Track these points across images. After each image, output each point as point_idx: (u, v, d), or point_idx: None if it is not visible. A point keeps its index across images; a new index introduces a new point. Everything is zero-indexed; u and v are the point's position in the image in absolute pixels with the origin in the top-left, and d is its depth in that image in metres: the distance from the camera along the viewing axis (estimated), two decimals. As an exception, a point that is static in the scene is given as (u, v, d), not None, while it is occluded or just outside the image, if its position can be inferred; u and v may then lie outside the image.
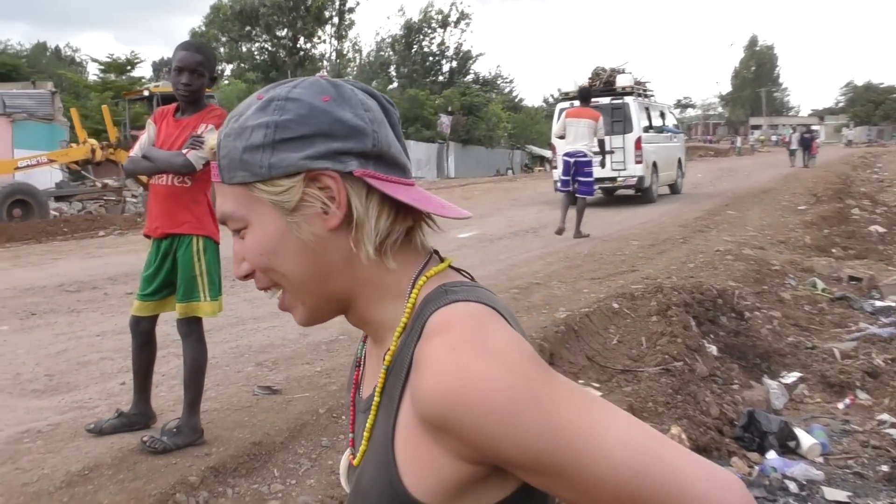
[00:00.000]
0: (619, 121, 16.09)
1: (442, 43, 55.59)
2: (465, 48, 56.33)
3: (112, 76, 36.16)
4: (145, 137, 4.01)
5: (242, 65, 39.25)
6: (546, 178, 33.26)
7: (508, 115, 53.81)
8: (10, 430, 4.26)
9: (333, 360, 5.52)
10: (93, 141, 17.40)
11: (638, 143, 16.08)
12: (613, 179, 16.35)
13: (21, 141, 22.51)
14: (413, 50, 55.22)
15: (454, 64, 56.20)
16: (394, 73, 57.16)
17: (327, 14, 37.21)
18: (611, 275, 8.38)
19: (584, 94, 12.35)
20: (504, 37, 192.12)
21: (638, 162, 16.15)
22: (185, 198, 3.90)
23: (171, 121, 3.98)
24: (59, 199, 18.92)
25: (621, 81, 17.33)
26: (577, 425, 0.82)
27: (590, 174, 11.39)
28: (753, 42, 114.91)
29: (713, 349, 6.09)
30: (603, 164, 11.77)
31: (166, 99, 20.45)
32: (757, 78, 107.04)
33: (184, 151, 3.79)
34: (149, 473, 3.61)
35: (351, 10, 38.26)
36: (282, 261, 0.93)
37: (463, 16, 54.92)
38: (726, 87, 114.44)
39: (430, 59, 55.80)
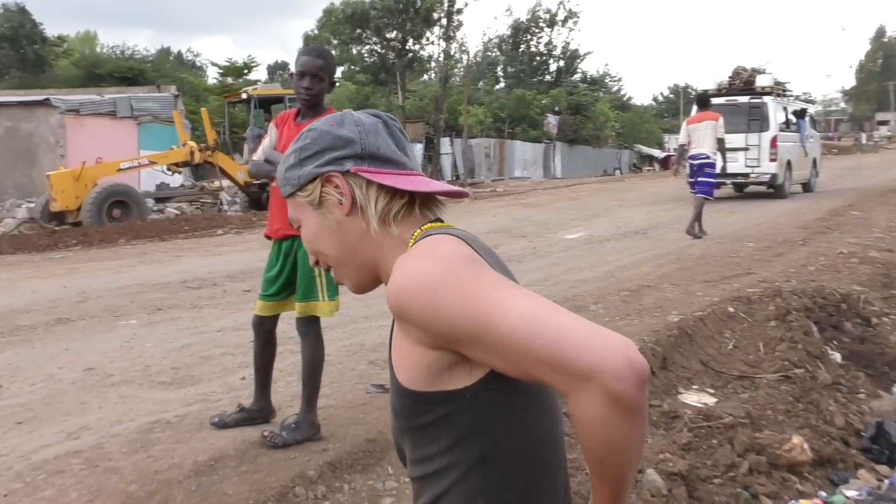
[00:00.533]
0: (756, 119, 16.44)
1: (549, 42, 55.23)
2: (572, 47, 55.80)
3: (230, 79, 37.50)
4: (267, 141, 4.14)
5: (353, 67, 39.98)
6: (654, 178, 32.59)
7: (616, 115, 53.01)
8: (142, 419, 4.48)
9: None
10: (192, 143, 17.91)
11: (773, 141, 16.39)
12: (746, 175, 16.75)
13: (146, 143, 23.65)
14: (520, 49, 55.06)
15: (561, 63, 55.71)
16: (500, 74, 57.18)
17: (436, 15, 37.42)
18: (725, 277, 8.15)
19: (703, 100, 12.48)
20: (613, 34, 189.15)
21: (772, 160, 16.47)
22: (304, 198, 4.00)
23: (293, 125, 4.08)
24: (158, 200, 19.72)
25: (761, 81, 17.72)
26: (485, 299, 1.07)
27: (711, 175, 11.34)
28: (880, 33, 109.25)
29: (837, 356, 5.85)
30: (724, 162, 11.82)
31: (263, 102, 21.20)
32: (884, 71, 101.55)
33: None
34: (269, 466, 3.74)
35: (459, 12, 38.24)
36: (322, 244, 1.33)
37: (571, 14, 54.37)
38: (850, 82, 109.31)
39: (538, 58, 55.49)
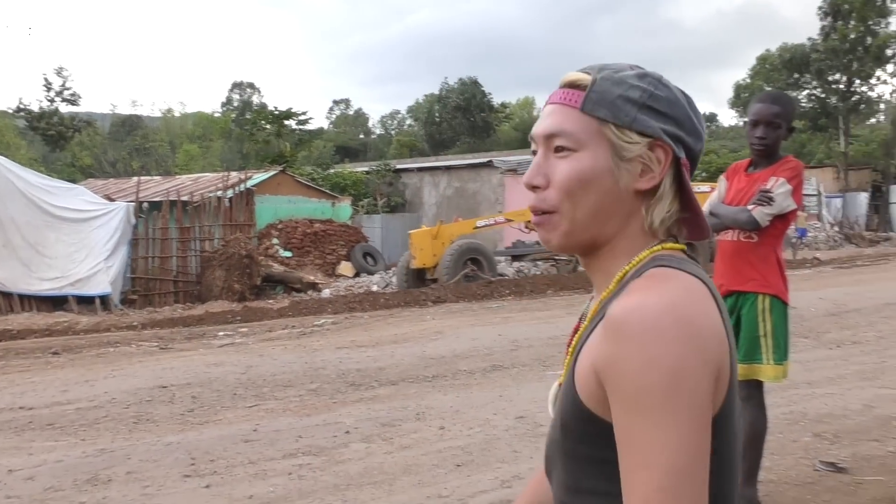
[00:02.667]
0: None
1: None
2: None
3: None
4: (715, 194, 3.96)
5: (789, 113, 37.88)
6: None
7: None
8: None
9: (907, 441, 4.78)
10: None
11: None
12: None
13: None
14: None
15: None
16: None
17: (889, 52, 33.95)
18: None
19: None
20: None
21: None
22: (751, 255, 3.72)
23: (743, 175, 3.86)
24: (514, 258, 19.36)
25: None
26: (670, 428, 0.92)
27: None
28: None
29: None
30: None
31: None
32: None
33: (749, 207, 3.63)
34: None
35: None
36: (588, 193, 1.09)
37: None
38: None
39: None
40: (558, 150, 1.10)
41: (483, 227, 17.47)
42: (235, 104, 68.67)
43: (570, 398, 1.06)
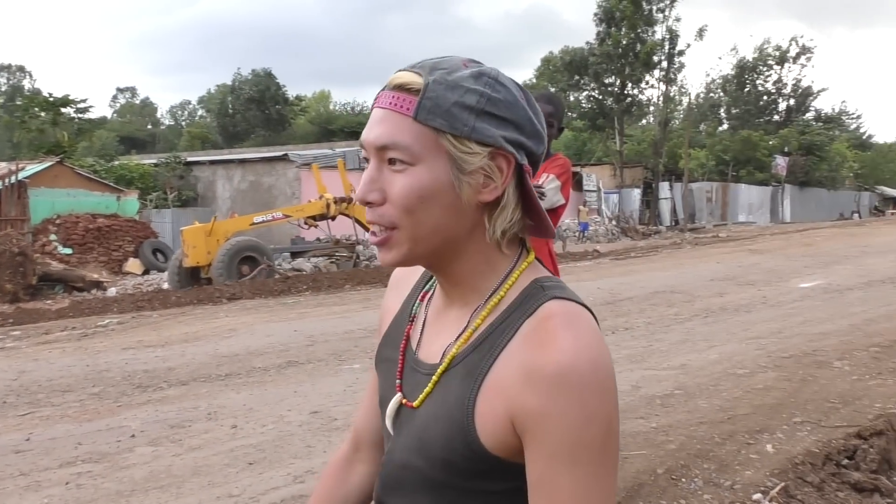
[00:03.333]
0: None
1: (778, 80, 52.63)
2: (804, 84, 52.78)
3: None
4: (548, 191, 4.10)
5: (570, 113, 40.14)
6: (902, 221, 29.79)
7: (855, 154, 49.36)
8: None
9: (669, 416, 5.25)
10: (328, 195, 17.05)
11: None
12: None
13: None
14: (746, 89, 52.84)
15: (792, 101, 52.83)
16: (724, 115, 55.11)
17: (656, 59, 36.83)
18: None
19: None
20: (851, 69, 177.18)
21: None
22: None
23: None
24: (294, 255, 18.95)
25: None
26: (600, 477, 0.94)
27: None
28: None
29: None
30: None
31: None
32: None
33: None
34: None
35: (681, 53, 37.38)
36: (429, 208, 1.00)
37: (804, 50, 51.60)
38: None
39: (765, 97, 53.01)
40: (392, 162, 1.00)
41: (260, 223, 16.68)
42: (3, 89, 63.30)
43: (462, 440, 1.00)
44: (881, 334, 7.53)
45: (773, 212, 40.98)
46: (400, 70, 1.04)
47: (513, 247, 1.07)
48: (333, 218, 17.19)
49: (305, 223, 17.28)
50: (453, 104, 0.98)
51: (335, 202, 16.85)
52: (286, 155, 26.17)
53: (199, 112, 79.06)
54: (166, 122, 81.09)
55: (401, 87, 1.01)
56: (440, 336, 1.10)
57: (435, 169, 0.99)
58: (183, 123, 76.13)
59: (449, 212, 1.01)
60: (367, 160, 1.04)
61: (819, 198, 43.96)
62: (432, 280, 1.18)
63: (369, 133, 1.02)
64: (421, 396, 1.07)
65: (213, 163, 28.52)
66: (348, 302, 12.47)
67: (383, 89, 1.04)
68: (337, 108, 64.56)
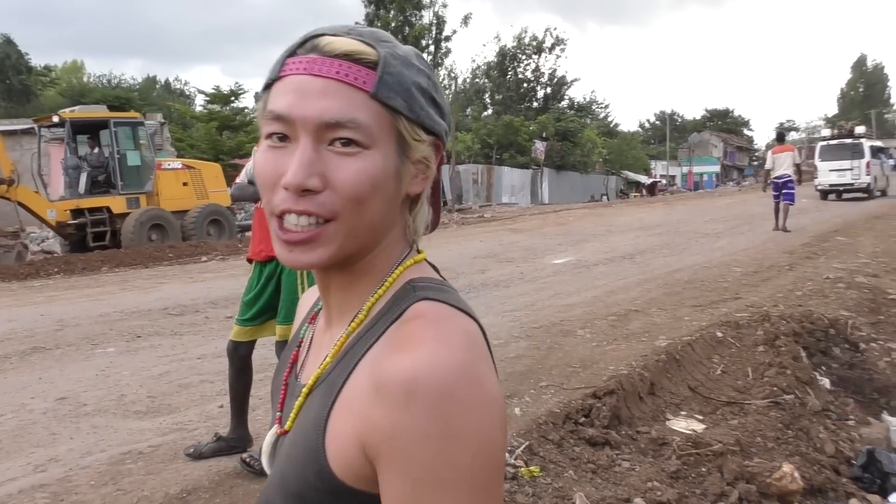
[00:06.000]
0: (857, 152, 26.20)
1: (536, 69, 55.57)
2: (559, 74, 56.15)
3: (217, 107, 37.51)
4: (251, 163, 4.10)
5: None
6: (642, 203, 32.67)
7: (604, 141, 53.27)
8: (113, 450, 4.34)
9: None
10: None
11: (868, 164, 26.12)
12: (851, 184, 26.18)
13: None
14: (508, 76, 55.35)
15: (549, 90, 56.03)
16: (488, 100, 57.42)
17: (424, 42, 37.70)
18: (713, 302, 8.07)
19: (781, 136, 17.37)
20: (601, 62, 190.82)
21: (867, 175, 26.11)
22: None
23: None
24: None
25: (858, 131, 28.70)
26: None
27: (792, 187, 15.77)
28: (861, 62, 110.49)
29: (826, 382, 5.76)
30: (800, 182, 16.36)
31: (83, 126, 17.99)
32: (866, 99, 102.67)
33: None
34: (245, 498, 3.61)
35: (448, 39, 38.58)
36: (376, 199, 0.86)
37: (558, 41, 54.80)
38: (832, 110, 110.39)
39: (525, 85, 55.81)
40: (344, 143, 0.84)
41: None
42: None
43: (314, 468, 0.84)
44: (618, 304, 8.26)
45: (533, 193, 43.30)
46: (325, 34, 0.87)
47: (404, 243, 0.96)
48: None
49: None
50: (412, 84, 0.87)
51: None
52: (33, 128, 24.03)
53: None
54: None
55: (348, 56, 0.85)
56: (320, 354, 0.95)
57: (387, 155, 0.86)
58: None
59: (388, 205, 0.88)
60: (281, 138, 0.86)
61: (573, 181, 46.99)
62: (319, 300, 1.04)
63: (309, 106, 0.84)
64: (288, 422, 0.94)
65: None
66: (104, 284, 11.79)
67: (309, 53, 0.86)
68: (91, 80, 60.31)
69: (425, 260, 0.97)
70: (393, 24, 36.88)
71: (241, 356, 4.12)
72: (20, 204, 15.69)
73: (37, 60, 53.13)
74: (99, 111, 19.35)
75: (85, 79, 60.49)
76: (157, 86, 65.56)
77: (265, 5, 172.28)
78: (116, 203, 17.25)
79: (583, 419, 4.82)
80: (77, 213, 16.85)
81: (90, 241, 16.67)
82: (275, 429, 0.98)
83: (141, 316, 8.65)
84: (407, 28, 36.84)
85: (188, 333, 7.66)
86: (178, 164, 19.22)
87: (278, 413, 0.99)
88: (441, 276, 0.97)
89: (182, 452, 4.17)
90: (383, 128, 0.85)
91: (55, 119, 17.60)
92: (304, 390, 0.91)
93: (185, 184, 18.43)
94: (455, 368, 0.77)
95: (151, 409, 5.20)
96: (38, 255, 17.82)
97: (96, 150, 17.80)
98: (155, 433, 4.65)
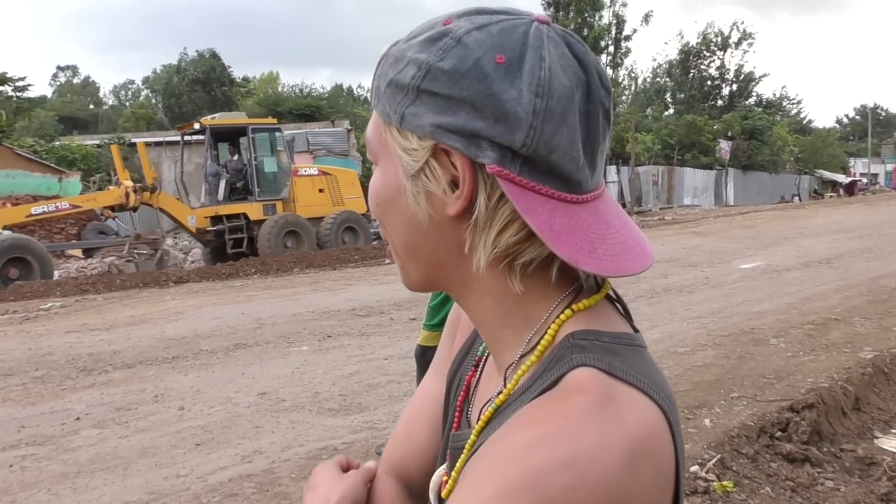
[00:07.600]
0: None
1: (722, 66, 53.44)
2: (746, 69, 53.69)
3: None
4: None
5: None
6: (839, 204, 30.66)
7: (795, 139, 50.43)
8: (311, 445, 4.57)
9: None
10: (128, 182, 15.29)
11: None
12: None
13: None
14: (690, 74, 53.59)
15: (734, 87, 53.72)
16: (669, 100, 55.81)
17: (603, 43, 37.21)
18: (925, 313, 7.45)
19: None
20: (792, 55, 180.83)
21: None
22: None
23: None
24: (86, 252, 17.19)
25: None
26: None
27: None
28: None
29: None
30: None
31: (223, 133, 17.90)
32: None
33: None
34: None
35: (627, 38, 37.86)
36: (391, 220, 0.77)
37: (745, 35, 52.46)
38: None
39: (709, 83, 53.82)
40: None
41: (40, 215, 14.50)
42: (-63, 66, 61.17)
43: None
44: (815, 312, 7.78)
45: (717, 195, 41.70)
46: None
47: (542, 285, 0.74)
48: (135, 209, 15.64)
49: (103, 213, 15.64)
50: (390, 83, 0.72)
51: (135, 191, 15.17)
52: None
53: (144, 92, 77.57)
54: (109, 101, 79.40)
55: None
56: (482, 396, 0.83)
57: (387, 170, 0.75)
58: (127, 104, 74.59)
59: (413, 229, 0.75)
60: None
61: (761, 181, 44.84)
62: None
63: None
64: (444, 491, 0.83)
65: (158, 144, 28.01)
66: (297, 285, 12.44)
67: None
68: (285, 89, 63.91)
69: (610, 297, 0.77)
70: (572, 27, 36.61)
71: (428, 360, 4.20)
72: (162, 210, 16.19)
73: (237, 72, 56.95)
74: (238, 118, 19.23)
75: (280, 89, 64.17)
76: (343, 93, 68.49)
77: (444, 9, 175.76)
78: (253, 210, 17.19)
79: (779, 433, 4.59)
80: (216, 219, 17.00)
81: (228, 247, 16.77)
82: (442, 470, 0.87)
83: (331, 316, 9.05)
84: (585, 30, 36.44)
85: (374, 334, 7.94)
86: (314, 170, 19.08)
87: (449, 447, 0.87)
88: (630, 322, 0.76)
89: (373, 450, 4.32)
90: (383, 140, 0.75)
91: (196, 126, 17.76)
92: (461, 458, 0.79)
93: (321, 190, 18.30)
94: (602, 491, 0.59)
95: (343, 406, 5.43)
96: (182, 261, 18.21)
97: (236, 157, 17.97)
98: (347, 430, 4.86)
